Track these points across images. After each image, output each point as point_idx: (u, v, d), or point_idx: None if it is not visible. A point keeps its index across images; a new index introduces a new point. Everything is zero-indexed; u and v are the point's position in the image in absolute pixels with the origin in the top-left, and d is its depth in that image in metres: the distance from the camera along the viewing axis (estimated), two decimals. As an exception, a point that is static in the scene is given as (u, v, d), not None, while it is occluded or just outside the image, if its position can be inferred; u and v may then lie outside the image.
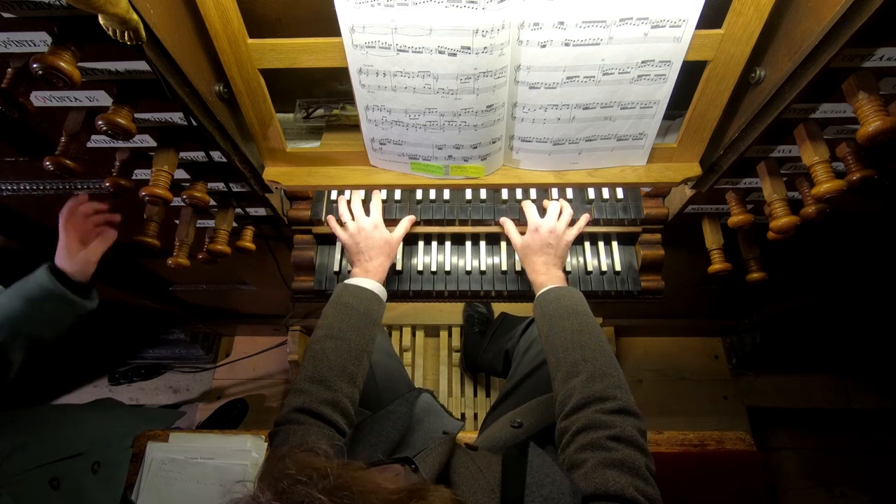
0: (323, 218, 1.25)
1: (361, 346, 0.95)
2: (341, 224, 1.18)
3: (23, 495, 1.14)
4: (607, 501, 0.67)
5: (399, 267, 1.31)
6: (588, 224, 1.24)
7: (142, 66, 0.72)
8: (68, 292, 1.07)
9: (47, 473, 1.21)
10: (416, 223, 1.26)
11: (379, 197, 1.21)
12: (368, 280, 1.07)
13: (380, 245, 1.14)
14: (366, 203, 1.21)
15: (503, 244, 1.33)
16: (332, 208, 1.26)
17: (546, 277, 1.08)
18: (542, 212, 1.19)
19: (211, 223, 1.17)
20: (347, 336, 0.94)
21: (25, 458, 1.19)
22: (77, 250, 1.08)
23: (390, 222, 1.26)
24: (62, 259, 1.07)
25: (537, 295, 1.05)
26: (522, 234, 1.18)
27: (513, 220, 1.23)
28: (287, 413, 0.83)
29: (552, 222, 1.14)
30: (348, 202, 1.21)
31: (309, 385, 0.87)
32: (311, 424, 0.82)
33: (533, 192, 1.26)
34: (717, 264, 1.16)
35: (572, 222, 1.18)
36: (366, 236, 1.14)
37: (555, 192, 1.26)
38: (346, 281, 1.07)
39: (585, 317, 0.96)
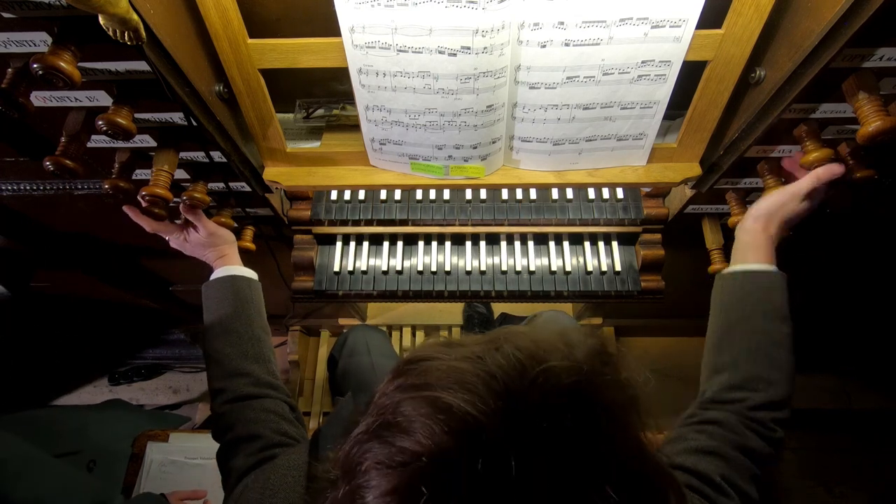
0: (322, 218, 1.26)
1: (252, 327, 0.93)
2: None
3: None
4: (690, 476, 0.67)
5: (399, 267, 1.31)
6: (588, 224, 1.24)
7: (142, 66, 0.72)
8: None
9: None
10: (417, 223, 1.26)
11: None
12: (231, 267, 1.02)
13: (197, 250, 1.05)
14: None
15: (503, 244, 1.33)
16: (332, 208, 1.26)
17: (769, 259, 0.89)
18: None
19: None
20: (236, 327, 0.93)
21: None
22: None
23: (390, 222, 1.27)
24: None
25: (755, 268, 0.87)
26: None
27: (512, 219, 1.22)
28: (217, 408, 0.84)
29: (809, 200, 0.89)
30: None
31: (220, 383, 0.86)
32: (245, 405, 0.82)
33: (533, 192, 1.26)
34: (717, 264, 1.16)
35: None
36: (190, 247, 1.06)
37: (555, 192, 1.26)
38: (212, 277, 1.03)
39: (790, 330, 0.83)
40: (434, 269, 1.31)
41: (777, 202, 0.88)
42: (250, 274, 1.03)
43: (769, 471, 0.73)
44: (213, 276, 1.02)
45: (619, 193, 1.26)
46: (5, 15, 0.64)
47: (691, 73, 0.85)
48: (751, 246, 0.89)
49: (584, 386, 0.42)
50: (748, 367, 0.80)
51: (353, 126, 1.02)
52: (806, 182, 0.86)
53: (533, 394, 0.41)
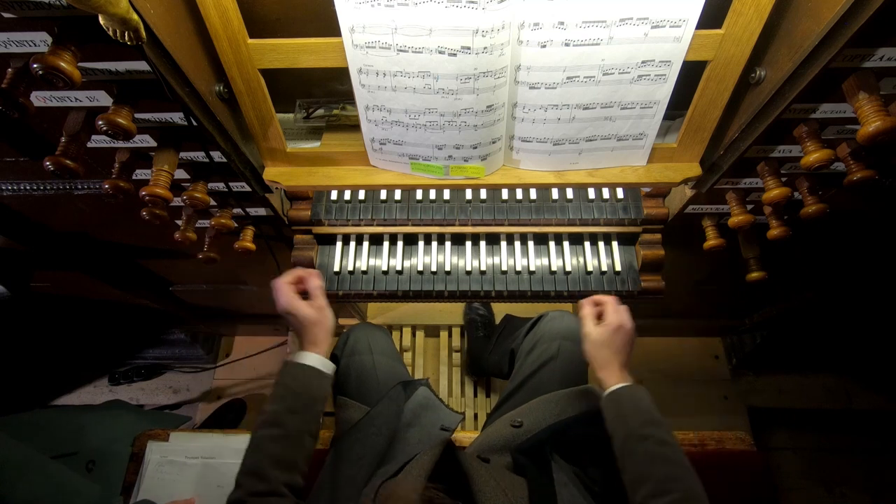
0: (322, 218, 1.26)
1: (301, 429, 0.93)
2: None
3: None
4: None
5: (399, 267, 1.31)
6: (588, 224, 1.24)
7: (142, 66, 0.72)
8: None
9: None
10: (417, 223, 1.26)
11: (295, 275, 1.08)
12: (309, 354, 1.00)
13: (303, 325, 1.03)
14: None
15: (503, 244, 1.33)
16: (332, 208, 1.26)
17: (620, 377, 1.01)
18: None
19: (209, 222, 1.17)
20: (284, 421, 0.92)
21: None
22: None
23: (391, 222, 1.27)
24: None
25: (610, 391, 0.99)
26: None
27: (512, 219, 1.22)
28: (231, 499, 0.86)
29: (631, 323, 1.05)
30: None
31: (244, 479, 0.88)
32: None
33: (533, 192, 1.26)
34: (712, 241, 1.16)
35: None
36: (291, 322, 1.04)
37: (555, 192, 1.26)
38: (289, 357, 1.01)
39: (663, 427, 0.92)
40: (434, 269, 1.31)
41: (597, 341, 1.01)
42: (329, 369, 1.01)
43: None
44: (300, 359, 0.99)
45: (619, 193, 1.26)
46: (5, 15, 0.64)
47: (691, 73, 0.85)
48: (600, 365, 1.01)
49: None
50: (653, 473, 0.85)
51: (353, 126, 1.02)
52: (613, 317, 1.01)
53: None
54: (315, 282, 1.02)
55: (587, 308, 1.08)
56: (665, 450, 0.88)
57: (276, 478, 0.88)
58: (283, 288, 1.00)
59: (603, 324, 1.03)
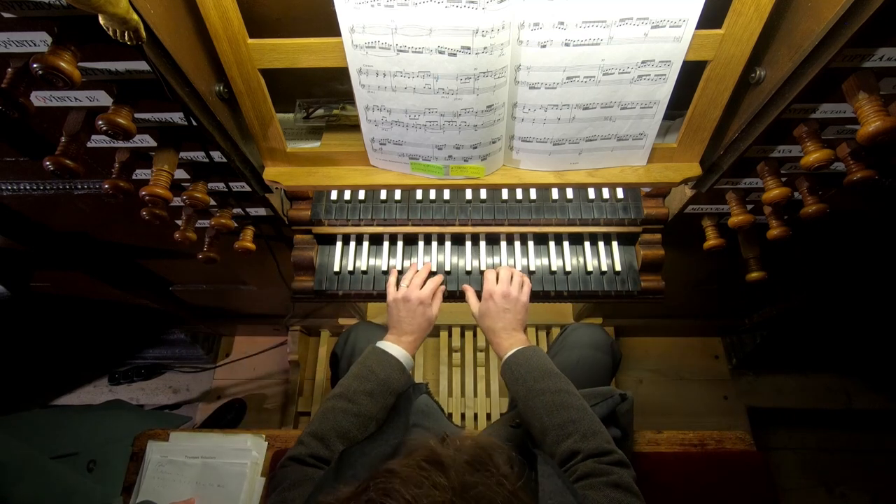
0: (322, 218, 1.26)
1: (371, 413, 0.97)
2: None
3: None
4: None
5: (399, 267, 1.31)
6: (588, 224, 1.24)
7: (142, 66, 0.72)
8: None
9: None
10: (417, 223, 1.26)
11: (439, 279, 1.24)
12: (397, 348, 1.08)
13: (419, 322, 1.15)
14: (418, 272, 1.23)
15: (503, 244, 1.33)
16: (332, 208, 1.26)
17: (509, 343, 1.07)
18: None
19: (209, 222, 1.17)
20: (360, 401, 0.97)
21: None
22: None
23: (391, 222, 1.26)
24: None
25: (504, 359, 1.05)
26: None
27: (512, 219, 1.22)
28: (283, 461, 0.88)
29: (504, 287, 1.15)
30: (399, 272, 1.26)
31: (309, 439, 0.91)
32: (297, 469, 0.86)
33: (533, 192, 1.26)
34: (712, 241, 1.16)
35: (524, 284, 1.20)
36: (409, 311, 1.15)
37: (555, 192, 1.26)
38: (378, 343, 1.09)
39: (558, 377, 0.97)
40: (434, 268, 1.31)
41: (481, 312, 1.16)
42: (409, 369, 1.09)
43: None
44: (386, 348, 1.07)
45: (619, 193, 1.26)
46: (5, 15, 0.64)
47: (691, 73, 0.85)
48: (490, 337, 1.13)
49: None
50: (552, 422, 0.89)
51: (353, 126, 1.02)
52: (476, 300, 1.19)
53: None
54: (443, 290, 1.23)
55: (468, 291, 1.23)
56: (560, 397, 0.92)
57: (337, 448, 0.91)
58: (438, 280, 1.22)
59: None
